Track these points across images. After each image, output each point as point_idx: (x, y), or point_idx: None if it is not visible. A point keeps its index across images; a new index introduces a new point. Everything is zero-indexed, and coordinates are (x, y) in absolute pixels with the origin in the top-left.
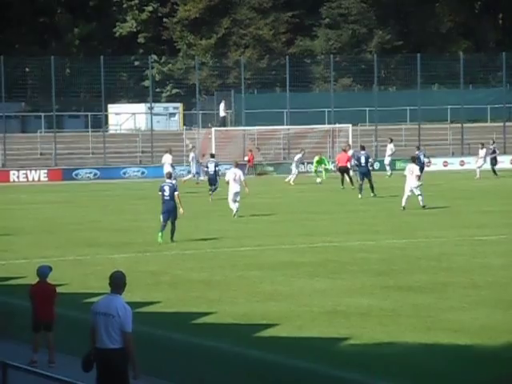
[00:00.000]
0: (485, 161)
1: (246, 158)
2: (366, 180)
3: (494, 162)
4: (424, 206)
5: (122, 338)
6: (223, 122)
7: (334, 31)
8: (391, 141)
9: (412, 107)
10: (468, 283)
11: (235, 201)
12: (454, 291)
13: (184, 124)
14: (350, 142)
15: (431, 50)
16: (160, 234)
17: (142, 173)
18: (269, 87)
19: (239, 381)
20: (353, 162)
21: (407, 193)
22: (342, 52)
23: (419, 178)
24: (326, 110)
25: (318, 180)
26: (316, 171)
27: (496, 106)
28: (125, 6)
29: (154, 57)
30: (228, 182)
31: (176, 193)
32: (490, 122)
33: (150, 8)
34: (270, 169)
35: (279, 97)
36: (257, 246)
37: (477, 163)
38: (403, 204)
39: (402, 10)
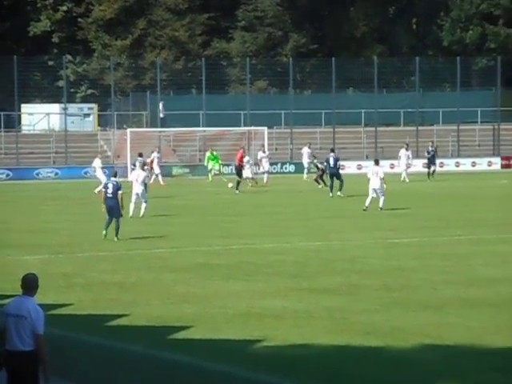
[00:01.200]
0: (408, 163)
1: (148, 160)
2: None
3: (430, 163)
4: (381, 209)
5: (33, 341)
6: (163, 123)
7: (250, 34)
8: (309, 145)
9: (327, 110)
10: (380, 285)
11: (136, 202)
12: (367, 293)
13: (99, 125)
14: (266, 145)
15: (346, 54)
16: (104, 231)
17: (56, 174)
18: (185, 89)
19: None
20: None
21: (371, 194)
22: (257, 55)
23: (383, 179)
24: (242, 112)
25: (230, 184)
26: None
27: (409, 110)
28: (39, 5)
29: (69, 57)
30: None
31: (119, 192)
32: (404, 125)
33: (64, 8)
34: (186, 170)
35: (195, 99)
36: (172, 247)
37: (401, 166)
38: (366, 204)
39: (316, 13)
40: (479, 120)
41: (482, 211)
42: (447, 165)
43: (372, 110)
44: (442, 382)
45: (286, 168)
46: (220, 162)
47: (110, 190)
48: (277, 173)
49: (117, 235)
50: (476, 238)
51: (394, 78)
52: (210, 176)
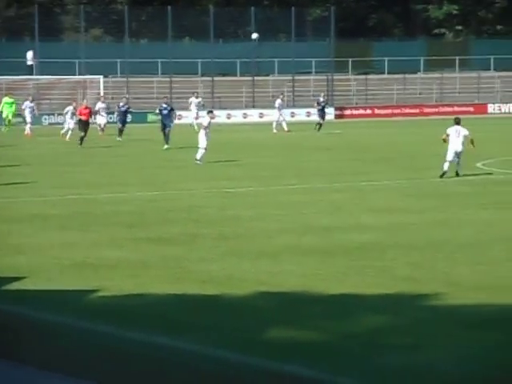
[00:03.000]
0: (280, 114)
1: None
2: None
3: (321, 114)
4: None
5: None
6: (30, 71)
7: None
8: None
9: (163, 60)
10: (217, 234)
11: None
12: (204, 242)
13: None
14: (102, 94)
15: (182, 2)
16: None
17: None
18: (17, 36)
19: None
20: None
21: (450, 159)
22: (92, 2)
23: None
24: (77, 60)
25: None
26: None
27: (245, 59)
28: None
29: None
30: None
31: None
32: (240, 75)
33: None
34: (20, 120)
35: (28, 46)
36: (3, 198)
37: (275, 116)
38: (445, 169)
39: None
40: (314, 70)
41: (317, 161)
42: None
43: (208, 60)
44: (276, 329)
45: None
46: (15, 109)
47: None
48: (114, 122)
49: None
50: (310, 187)
51: (231, 27)
52: (4, 127)
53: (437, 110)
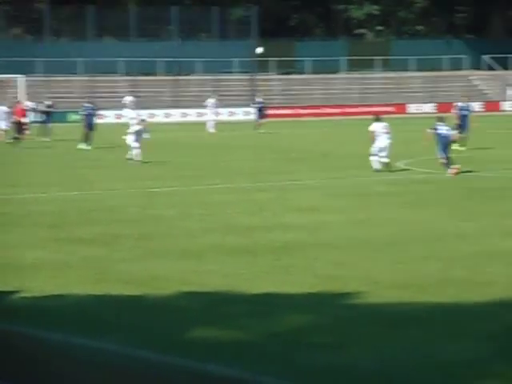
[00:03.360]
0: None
1: None
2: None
3: (260, 115)
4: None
5: None
6: None
7: None
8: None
9: (84, 59)
10: (139, 234)
11: None
12: (126, 243)
13: None
14: (23, 94)
15: (103, 1)
16: None
17: None
18: None
19: None
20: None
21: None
22: (12, 1)
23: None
24: None
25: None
26: None
27: (168, 59)
28: None
29: None
30: None
31: None
32: (162, 75)
33: None
34: None
35: None
36: None
37: (209, 115)
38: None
39: None
40: (236, 70)
41: (240, 160)
42: (206, 114)
43: (130, 59)
44: (199, 328)
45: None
46: None
47: None
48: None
49: None
50: (233, 187)
51: (153, 26)
52: None
53: (358, 109)
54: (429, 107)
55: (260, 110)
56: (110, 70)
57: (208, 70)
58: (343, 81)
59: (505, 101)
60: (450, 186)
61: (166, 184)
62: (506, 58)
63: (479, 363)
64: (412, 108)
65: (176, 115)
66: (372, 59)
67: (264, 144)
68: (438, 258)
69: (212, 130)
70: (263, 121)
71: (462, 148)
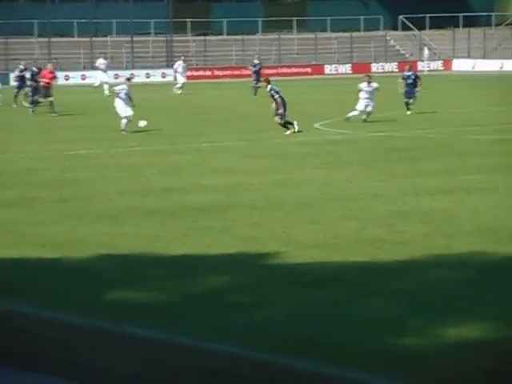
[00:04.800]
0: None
1: None
2: None
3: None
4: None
5: None
6: None
7: None
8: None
9: None
10: (56, 197)
11: None
12: (43, 206)
13: None
14: None
15: None
16: None
17: None
18: None
19: None
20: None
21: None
22: None
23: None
24: None
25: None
26: None
27: (83, 20)
28: None
29: None
30: None
31: None
32: (78, 36)
33: None
34: None
35: None
36: None
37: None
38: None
39: None
40: (153, 31)
41: (158, 122)
42: (122, 76)
43: (45, 21)
44: (117, 291)
45: None
46: None
47: None
48: None
49: None
50: (151, 149)
51: None
52: None
53: (276, 71)
54: (345, 68)
55: (257, 71)
56: (24, 31)
57: (124, 31)
58: (260, 42)
59: (422, 61)
60: (366, 146)
61: (82, 146)
62: (422, 17)
63: (396, 321)
64: (328, 69)
65: (92, 77)
66: (289, 20)
67: (181, 106)
68: (354, 218)
69: (106, 92)
70: (258, 84)
71: (408, 112)
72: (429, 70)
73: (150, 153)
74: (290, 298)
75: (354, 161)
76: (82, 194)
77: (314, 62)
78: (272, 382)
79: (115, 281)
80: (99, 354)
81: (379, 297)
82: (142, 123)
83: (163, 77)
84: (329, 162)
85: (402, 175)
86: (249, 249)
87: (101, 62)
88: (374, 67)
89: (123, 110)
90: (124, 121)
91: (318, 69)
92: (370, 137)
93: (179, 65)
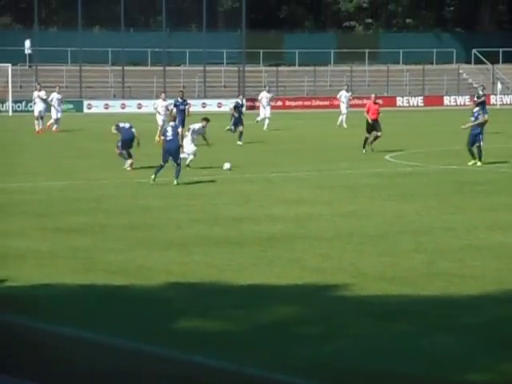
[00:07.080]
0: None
1: None
2: None
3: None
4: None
5: None
6: (29, 59)
7: None
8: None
9: (73, 48)
10: (127, 225)
11: None
12: (113, 233)
13: None
14: (10, 83)
15: None
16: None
17: None
18: None
19: None
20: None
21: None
22: None
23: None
24: None
25: None
26: None
27: (156, 49)
28: None
29: None
30: None
31: None
32: (151, 65)
33: None
34: None
35: None
36: None
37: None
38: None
39: None
40: (225, 61)
41: (229, 153)
42: (194, 105)
43: (119, 49)
44: (185, 319)
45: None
46: None
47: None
48: (21, 111)
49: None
50: (221, 178)
51: (141, 16)
52: None
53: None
54: (417, 101)
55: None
56: (98, 59)
57: (196, 60)
58: (332, 73)
59: (494, 94)
60: (438, 179)
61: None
62: (496, 51)
63: (465, 356)
64: (400, 101)
65: (133, 106)
66: (361, 52)
67: (251, 136)
68: (424, 251)
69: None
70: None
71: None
72: (501, 104)
73: (219, 181)
74: (359, 330)
75: (424, 193)
76: (152, 221)
77: (385, 94)
78: None
79: (183, 309)
80: (167, 383)
81: (449, 331)
82: (226, 166)
83: (219, 107)
84: (399, 194)
85: (473, 209)
86: (317, 280)
87: (159, 104)
88: (446, 100)
89: (190, 147)
90: (191, 157)
91: (390, 101)
92: (441, 169)
93: (262, 96)
